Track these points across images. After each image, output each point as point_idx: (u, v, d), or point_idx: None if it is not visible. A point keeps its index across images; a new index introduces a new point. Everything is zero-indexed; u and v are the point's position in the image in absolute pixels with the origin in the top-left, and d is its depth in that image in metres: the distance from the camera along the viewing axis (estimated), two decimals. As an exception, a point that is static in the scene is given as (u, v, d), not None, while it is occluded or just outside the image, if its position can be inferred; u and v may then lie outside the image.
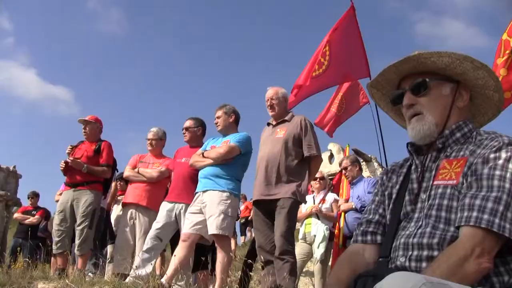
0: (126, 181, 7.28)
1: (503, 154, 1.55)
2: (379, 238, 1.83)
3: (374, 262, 1.77)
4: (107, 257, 7.66)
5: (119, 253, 5.94)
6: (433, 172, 1.71)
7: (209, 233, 4.81)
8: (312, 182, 7.02)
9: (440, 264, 1.42)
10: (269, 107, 5.08)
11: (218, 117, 5.31)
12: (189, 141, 5.69)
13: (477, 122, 1.94)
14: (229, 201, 4.88)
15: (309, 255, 6.97)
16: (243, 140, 5.13)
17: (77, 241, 5.94)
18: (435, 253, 1.53)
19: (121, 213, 7.34)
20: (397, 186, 1.85)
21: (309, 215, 6.94)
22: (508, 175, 1.50)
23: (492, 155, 1.56)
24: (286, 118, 5.05)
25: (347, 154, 8.07)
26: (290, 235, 4.60)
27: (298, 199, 4.72)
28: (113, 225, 7.76)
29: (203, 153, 5.18)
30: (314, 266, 7.07)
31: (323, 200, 7.02)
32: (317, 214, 6.90)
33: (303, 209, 6.97)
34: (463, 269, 1.40)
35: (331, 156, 14.25)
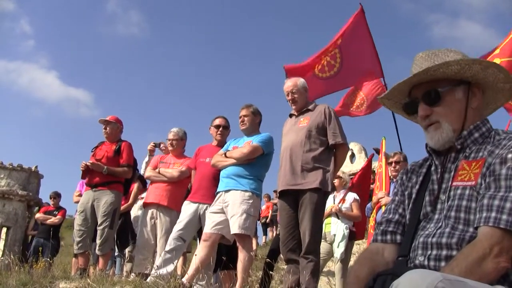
0: (144, 182, 7.33)
1: None
2: (398, 237, 1.84)
3: (394, 261, 1.78)
4: (126, 256, 7.74)
5: (140, 252, 5.97)
6: (452, 173, 1.73)
7: (232, 232, 4.80)
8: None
9: (459, 262, 1.43)
10: (290, 101, 4.93)
11: (245, 116, 5.24)
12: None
13: (491, 109, 1.96)
14: (251, 201, 4.87)
15: (330, 254, 6.95)
16: (266, 141, 5.11)
17: (98, 241, 5.99)
18: (454, 252, 1.54)
19: (139, 213, 7.40)
20: (417, 186, 1.86)
21: (328, 215, 6.90)
22: None
23: (510, 155, 1.56)
24: (309, 107, 4.92)
25: (384, 146, 8.02)
26: (316, 234, 4.49)
27: (326, 190, 4.57)
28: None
29: (225, 153, 5.17)
30: (334, 266, 7.04)
31: (343, 200, 7.00)
32: (337, 214, 6.88)
33: (323, 208, 6.94)
34: (481, 268, 1.41)
35: (352, 156, 14.20)
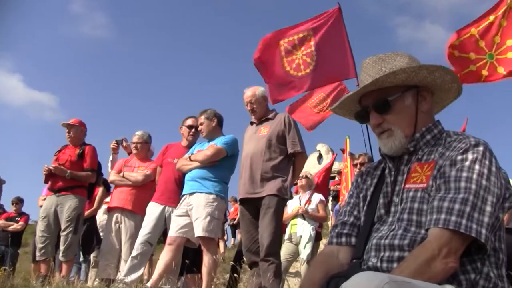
0: (108, 186, 7.23)
1: (470, 156, 1.59)
2: (353, 240, 1.85)
3: (348, 263, 1.79)
4: (91, 262, 7.62)
5: (104, 258, 5.89)
6: (405, 176, 1.75)
7: (196, 235, 4.79)
8: (297, 181, 7.03)
9: (409, 264, 1.46)
10: (250, 111, 5.04)
11: (201, 124, 5.29)
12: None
13: (440, 107, 1.98)
14: (215, 204, 4.87)
15: (295, 255, 6.99)
16: (230, 142, 5.12)
17: (61, 247, 5.87)
18: (406, 254, 1.56)
19: (104, 218, 7.30)
20: (372, 189, 1.88)
21: (295, 216, 6.97)
22: (474, 176, 1.54)
23: (459, 157, 1.60)
24: (270, 116, 5.02)
25: (348, 146, 8.08)
26: (276, 236, 4.56)
27: (283, 197, 4.68)
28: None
29: (189, 157, 5.16)
30: (301, 267, 7.08)
31: (308, 201, 7.05)
32: (303, 215, 6.92)
33: (289, 209, 6.99)
34: (431, 268, 1.44)
35: (319, 157, 14.33)
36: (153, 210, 5.40)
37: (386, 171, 1.86)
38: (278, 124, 4.88)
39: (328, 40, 7.28)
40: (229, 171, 5.21)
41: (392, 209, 1.73)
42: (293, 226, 6.95)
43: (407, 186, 1.70)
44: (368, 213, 1.83)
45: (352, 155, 8.03)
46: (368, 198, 1.87)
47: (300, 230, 6.85)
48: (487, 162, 1.58)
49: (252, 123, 5.13)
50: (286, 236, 6.98)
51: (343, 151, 8.94)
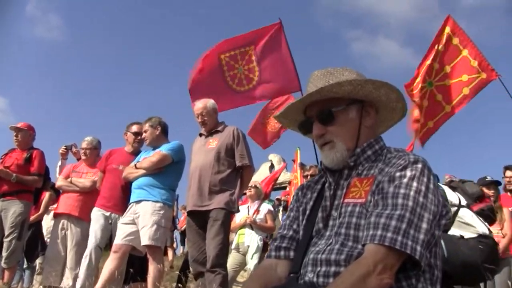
0: (57, 191, 7.12)
1: (408, 173, 1.60)
2: (292, 253, 1.84)
3: (286, 277, 1.79)
4: (37, 269, 7.47)
5: (49, 264, 5.79)
6: (344, 190, 1.74)
7: (142, 243, 4.80)
8: (247, 191, 7.11)
9: (344, 279, 1.46)
10: (201, 123, 5.10)
11: (145, 131, 5.31)
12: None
13: (385, 126, 2.01)
14: (162, 212, 4.90)
15: (242, 265, 7.02)
16: (175, 149, 5.16)
17: (4, 253, 5.75)
18: (342, 269, 1.55)
19: (51, 223, 7.18)
20: (311, 203, 1.87)
21: (242, 226, 7.03)
22: (411, 193, 1.55)
23: (398, 174, 1.60)
24: (219, 128, 5.09)
25: (298, 157, 8.18)
26: (222, 248, 4.64)
27: (231, 210, 4.77)
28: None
29: (135, 165, 5.17)
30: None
31: (257, 211, 7.11)
32: (251, 225, 6.98)
33: (237, 219, 7.05)
34: (366, 284, 1.44)
35: (271, 167, 14.47)
36: (99, 216, 5.36)
37: (326, 185, 1.85)
38: (227, 136, 4.96)
39: (271, 55, 7.31)
40: (175, 178, 5.24)
41: (330, 223, 1.73)
42: (240, 236, 7.00)
43: (346, 200, 1.71)
44: (306, 227, 1.82)
45: (302, 166, 8.19)
46: (308, 211, 1.86)
47: (248, 240, 6.89)
48: (425, 180, 1.59)
49: (201, 134, 5.19)
50: (233, 245, 7.03)
51: (294, 161, 9.10)
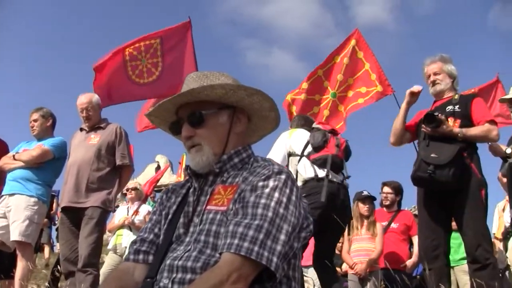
0: None
1: (271, 183, 1.58)
2: (151, 258, 1.79)
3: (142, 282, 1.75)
4: None
5: None
6: (208, 197, 1.72)
7: (11, 239, 4.62)
8: (127, 192, 7.08)
9: (196, 287, 1.45)
10: (84, 118, 4.98)
11: (34, 120, 5.10)
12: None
13: (257, 136, 2.01)
14: (36, 207, 4.75)
15: (119, 267, 6.93)
16: (58, 145, 5.03)
17: None
18: (198, 277, 1.53)
19: None
20: (174, 207, 1.84)
21: (121, 226, 6.95)
22: (272, 204, 1.54)
23: (260, 183, 1.59)
24: (101, 125, 5.01)
25: (183, 162, 8.20)
26: (95, 247, 4.57)
27: (107, 209, 4.72)
28: None
29: (13, 156, 4.96)
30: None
31: (136, 212, 7.06)
32: (130, 226, 6.93)
33: (116, 219, 6.98)
34: None
35: (157, 168, 14.39)
36: None
37: (191, 190, 1.82)
38: (109, 134, 4.90)
39: (176, 53, 7.36)
40: (54, 175, 5.10)
41: (191, 229, 1.70)
42: (118, 236, 6.90)
43: (208, 207, 1.68)
44: (167, 232, 1.78)
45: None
46: (170, 216, 1.82)
47: (126, 241, 6.79)
48: (287, 191, 1.59)
49: (81, 129, 5.08)
50: (110, 246, 6.95)
51: (180, 164, 9.18)
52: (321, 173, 4.35)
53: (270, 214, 1.52)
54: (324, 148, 4.44)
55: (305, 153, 4.51)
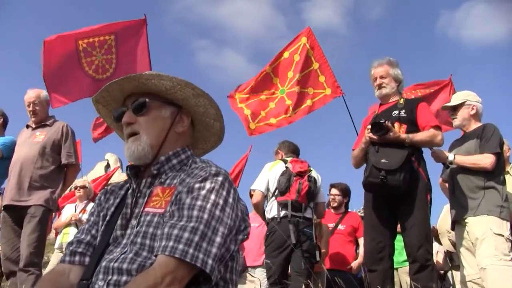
0: None
1: (207, 185, 1.57)
2: (87, 259, 1.76)
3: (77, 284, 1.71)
4: None
5: None
6: (146, 199, 1.70)
7: None
8: (75, 191, 6.94)
9: None
10: (31, 113, 4.88)
11: None
12: None
13: (201, 149, 1.99)
14: None
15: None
16: (8, 144, 4.94)
17: None
18: (132, 279, 1.51)
19: None
20: (112, 208, 1.81)
21: (68, 224, 6.82)
22: (208, 205, 1.53)
23: (197, 185, 1.58)
24: (48, 122, 4.92)
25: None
26: (38, 246, 4.47)
27: (50, 208, 4.62)
28: None
29: None
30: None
31: (83, 210, 6.94)
32: (77, 224, 6.80)
33: (63, 217, 6.83)
34: None
35: (107, 166, 14.18)
36: None
37: (129, 191, 1.79)
38: (55, 132, 4.81)
39: (130, 51, 7.23)
40: (1, 175, 4.99)
41: (128, 231, 1.68)
42: (65, 235, 6.77)
43: (146, 209, 1.66)
44: (104, 233, 1.75)
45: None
46: (108, 217, 1.79)
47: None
48: (224, 193, 1.58)
49: (28, 126, 4.97)
50: (56, 245, 6.83)
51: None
52: (282, 213, 4.80)
53: (205, 216, 1.51)
54: (286, 194, 4.85)
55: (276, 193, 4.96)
